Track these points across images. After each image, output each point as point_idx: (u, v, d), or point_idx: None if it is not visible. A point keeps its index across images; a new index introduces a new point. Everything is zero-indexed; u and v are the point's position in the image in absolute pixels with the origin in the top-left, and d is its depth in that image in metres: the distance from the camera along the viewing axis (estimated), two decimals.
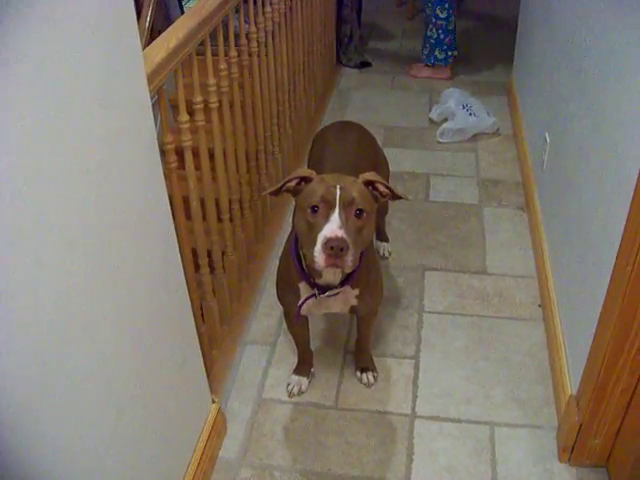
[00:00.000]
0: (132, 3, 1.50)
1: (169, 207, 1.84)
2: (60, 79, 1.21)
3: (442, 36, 4.88)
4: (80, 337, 1.38)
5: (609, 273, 1.96)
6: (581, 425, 2.18)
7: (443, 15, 4.82)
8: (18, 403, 1.19)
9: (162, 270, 1.82)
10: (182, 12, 4.76)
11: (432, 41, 4.95)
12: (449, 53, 5.00)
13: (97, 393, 1.49)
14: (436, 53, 4.99)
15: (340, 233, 1.75)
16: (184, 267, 2.00)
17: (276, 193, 1.99)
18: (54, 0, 1.16)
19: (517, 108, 4.32)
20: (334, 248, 1.74)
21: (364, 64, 5.36)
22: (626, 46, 2.04)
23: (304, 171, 1.97)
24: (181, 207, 2.17)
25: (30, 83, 1.12)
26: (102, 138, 1.40)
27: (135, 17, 1.52)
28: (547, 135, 3.16)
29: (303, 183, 1.94)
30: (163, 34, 2.02)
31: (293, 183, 1.95)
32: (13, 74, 1.07)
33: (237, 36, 2.73)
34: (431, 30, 4.92)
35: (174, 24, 2.11)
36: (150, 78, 1.71)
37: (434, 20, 4.86)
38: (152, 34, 3.79)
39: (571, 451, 2.26)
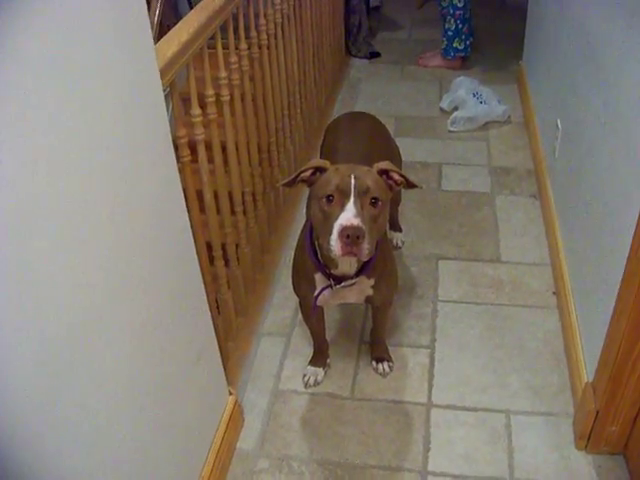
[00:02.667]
0: None
1: (184, 201, 1.84)
2: (73, 75, 1.21)
3: (460, 26, 4.82)
4: (97, 332, 1.39)
5: (624, 259, 1.95)
6: (598, 412, 2.17)
7: (461, 4, 4.75)
8: (39, 397, 1.20)
9: (178, 263, 1.83)
10: (191, 6, 4.76)
11: (450, 33, 4.87)
12: (467, 42, 4.93)
13: (117, 388, 1.50)
14: (455, 44, 4.92)
15: (356, 221, 1.76)
16: (199, 260, 2.01)
17: (291, 184, 2.00)
18: None
19: (528, 95, 4.30)
20: (350, 236, 1.75)
21: (373, 54, 5.35)
22: None
23: (318, 161, 1.98)
24: (195, 201, 2.17)
25: (44, 79, 1.12)
26: (116, 134, 1.41)
27: (146, 12, 1.53)
28: (559, 122, 3.15)
29: (318, 173, 1.95)
30: (174, 28, 2.02)
31: (308, 173, 1.96)
32: (29, 69, 1.08)
33: (247, 29, 2.73)
34: (449, 22, 4.82)
35: (185, 18, 2.11)
36: (162, 72, 1.72)
37: (452, 11, 4.76)
38: (161, 29, 3.79)
39: (588, 438, 2.26)
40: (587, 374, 2.34)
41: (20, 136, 1.07)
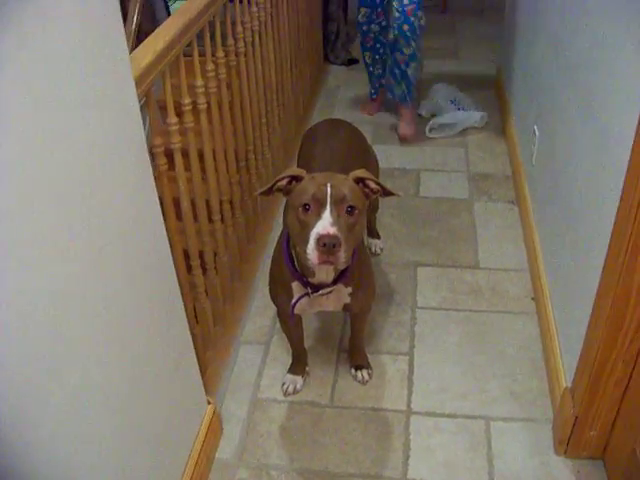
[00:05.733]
0: (118, 6, 1.49)
1: (160, 209, 1.83)
2: (46, 84, 1.21)
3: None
4: (74, 341, 1.38)
5: (601, 265, 1.96)
6: (576, 417, 2.18)
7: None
8: (15, 407, 1.19)
9: (154, 272, 1.82)
10: (168, 14, 4.75)
11: (413, 80, 4.16)
12: None
13: (94, 397, 1.48)
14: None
15: (332, 230, 1.76)
16: (176, 269, 2.00)
17: (267, 193, 1.99)
18: (37, 3, 1.16)
19: (505, 102, 4.33)
20: (327, 245, 1.75)
21: (351, 61, 5.36)
22: (614, 36, 2.05)
23: (294, 170, 1.98)
24: (172, 209, 2.17)
25: (14, 88, 1.11)
26: (91, 143, 1.40)
27: (121, 20, 1.52)
28: (536, 128, 3.16)
29: (294, 182, 1.94)
30: (150, 37, 2.02)
31: (284, 182, 1.96)
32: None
33: (224, 36, 2.72)
34: (415, 69, 4.10)
35: (161, 26, 2.11)
36: (138, 82, 1.71)
37: (419, 55, 4.05)
38: (139, 36, 3.78)
39: (567, 443, 2.26)
40: (566, 379, 2.35)
41: None
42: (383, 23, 4.13)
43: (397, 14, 3.80)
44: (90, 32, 1.36)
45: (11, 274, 1.14)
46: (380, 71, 4.41)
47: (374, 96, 4.61)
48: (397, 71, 4.08)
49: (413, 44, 3.91)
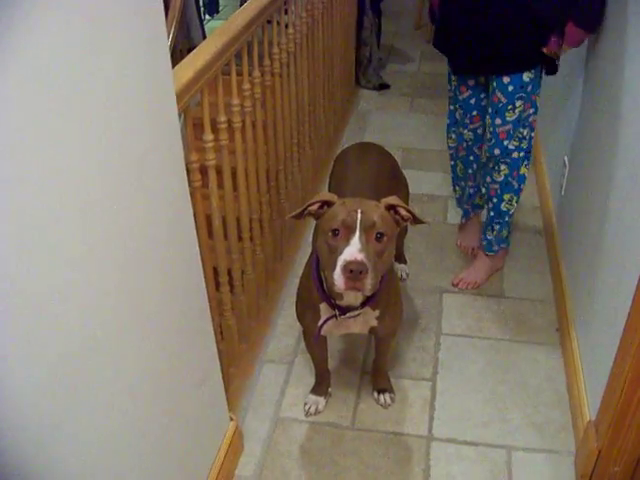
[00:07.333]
0: (164, 23, 1.52)
1: (194, 226, 1.85)
2: (93, 98, 1.23)
3: None
4: (104, 353, 1.39)
5: (630, 298, 1.95)
6: (600, 452, 2.16)
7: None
8: (43, 423, 1.20)
9: (186, 287, 1.84)
10: (203, 31, 4.81)
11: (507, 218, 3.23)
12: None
13: (121, 412, 1.50)
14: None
15: (360, 257, 1.76)
16: (206, 285, 2.01)
17: (298, 217, 2.00)
18: (92, 21, 1.18)
19: (535, 131, 4.31)
20: (354, 271, 1.75)
21: (383, 86, 5.38)
22: None
23: (326, 195, 1.99)
24: (204, 225, 2.18)
25: (64, 104, 1.14)
26: (133, 156, 1.42)
27: (166, 37, 1.55)
28: (566, 159, 3.16)
29: (325, 207, 1.96)
30: (191, 54, 2.05)
31: (315, 207, 1.97)
32: (46, 97, 1.09)
33: (260, 57, 2.75)
34: (509, 203, 3.18)
35: (201, 44, 2.14)
36: (178, 97, 1.73)
37: (516, 186, 3.15)
38: (174, 54, 3.83)
39: (590, 478, 2.23)
40: (589, 412, 2.33)
41: (32, 158, 1.08)
42: (479, 131, 3.18)
43: (489, 135, 3.01)
44: (137, 45, 1.39)
45: (45, 291, 1.16)
46: (473, 190, 3.41)
47: (465, 220, 3.60)
48: (490, 205, 3.20)
49: (505, 169, 3.06)
